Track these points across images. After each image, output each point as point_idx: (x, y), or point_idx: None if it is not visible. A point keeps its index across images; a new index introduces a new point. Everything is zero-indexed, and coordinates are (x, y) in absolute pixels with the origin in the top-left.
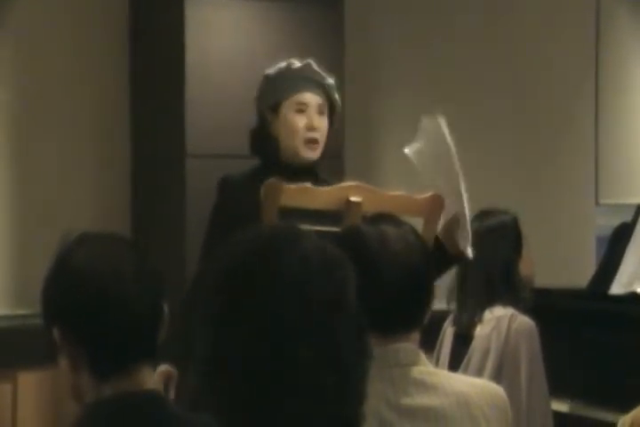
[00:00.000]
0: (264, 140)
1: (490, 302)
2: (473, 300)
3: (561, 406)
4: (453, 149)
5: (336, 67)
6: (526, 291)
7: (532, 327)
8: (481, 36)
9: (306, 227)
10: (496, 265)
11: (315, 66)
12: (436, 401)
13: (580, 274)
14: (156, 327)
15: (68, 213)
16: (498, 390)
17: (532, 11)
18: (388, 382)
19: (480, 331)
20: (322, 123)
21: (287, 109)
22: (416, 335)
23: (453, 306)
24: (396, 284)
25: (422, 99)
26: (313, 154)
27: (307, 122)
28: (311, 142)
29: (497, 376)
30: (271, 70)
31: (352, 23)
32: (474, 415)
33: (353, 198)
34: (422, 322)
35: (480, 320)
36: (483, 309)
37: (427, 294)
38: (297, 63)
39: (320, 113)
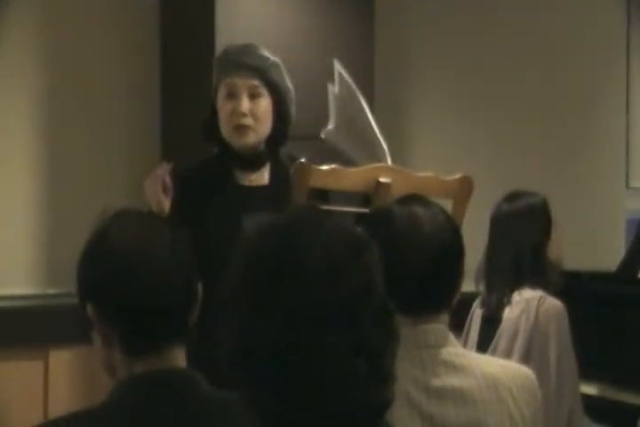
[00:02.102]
0: (214, 126)
1: (518, 284)
2: (501, 282)
3: (590, 389)
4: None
5: (366, 49)
6: (555, 273)
7: (561, 310)
8: (511, 18)
9: (334, 208)
10: (525, 247)
11: (253, 47)
12: (465, 383)
13: (609, 257)
14: (188, 307)
15: (100, 194)
16: (527, 372)
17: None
18: (417, 363)
19: (509, 313)
20: (256, 106)
21: (220, 94)
22: (445, 317)
23: (482, 288)
24: (426, 265)
25: (454, 82)
26: (244, 139)
27: (233, 107)
28: (240, 128)
29: (525, 359)
30: (221, 51)
31: (383, 6)
32: (502, 397)
33: (382, 179)
34: (452, 303)
35: (509, 302)
36: (511, 291)
37: (457, 275)
38: (235, 46)
39: (253, 96)
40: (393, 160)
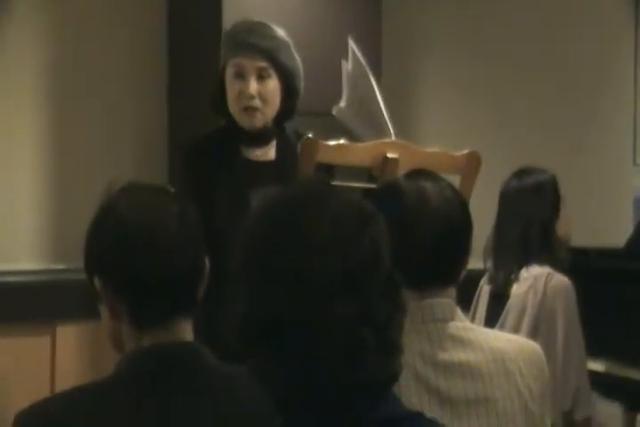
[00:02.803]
0: (222, 100)
1: (526, 260)
2: (509, 258)
3: (597, 366)
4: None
5: (373, 30)
6: (563, 250)
7: (569, 286)
8: (524, 8)
9: (342, 183)
10: (533, 224)
11: (262, 26)
12: (472, 357)
13: (616, 234)
14: (196, 280)
15: (107, 169)
16: (535, 347)
17: None
18: (424, 337)
19: (516, 289)
20: (264, 87)
21: (228, 73)
22: (452, 291)
23: (489, 264)
24: (433, 239)
25: (461, 58)
26: (251, 121)
27: (241, 88)
28: (248, 110)
29: (533, 335)
30: (230, 27)
31: None
32: (510, 371)
33: (390, 155)
34: (459, 278)
35: (516, 279)
36: (519, 267)
37: (464, 249)
38: (247, 22)
39: (261, 77)
40: (400, 135)
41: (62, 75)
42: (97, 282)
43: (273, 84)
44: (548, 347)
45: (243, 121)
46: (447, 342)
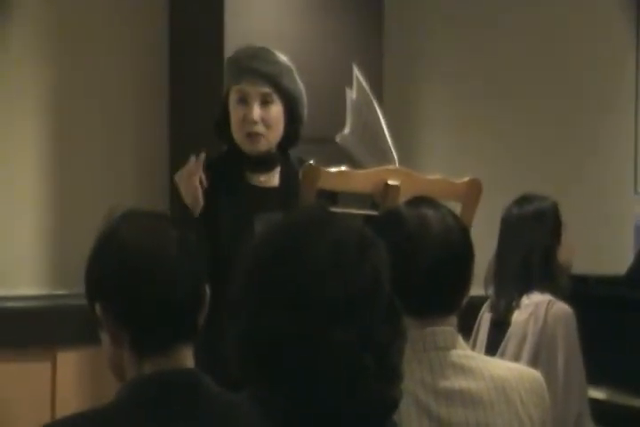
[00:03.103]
0: (226, 127)
1: (527, 287)
2: (510, 285)
3: (598, 394)
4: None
5: (375, 41)
6: (564, 278)
7: (570, 314)
8: (522, 18)
9: (343, 210)
10: (534, 251)
11: (266, 52)
12: (474, 385)
13: (618, 262)
14: (197, 307)
15: (108, 195)
16: (536, 375)
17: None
18: (426, 365)
19: (517, 317)
20: (268, 113)
21: (232, 99)
22: (454, 319)
23: (491, 291)
24: (435, 266)
25: (463, 85)
26: (255, 147)
27: (245, 114)
28: (252, 136)
29: (534, 362)
30: (232, 53)
31: (392, 6)
32: (511, 400)
33: (391, 182)
34: (460, 305)
35: (517, 306)
36: (520, 294)
37: (466, 277)
38: (250, 48)
39: (264, 102)
40: (401, 162)
41: (64, 100)
42: (98, 308)
43: (276, 110)
44: (549, 374)
45: (246, 147)
46: (449, 369)
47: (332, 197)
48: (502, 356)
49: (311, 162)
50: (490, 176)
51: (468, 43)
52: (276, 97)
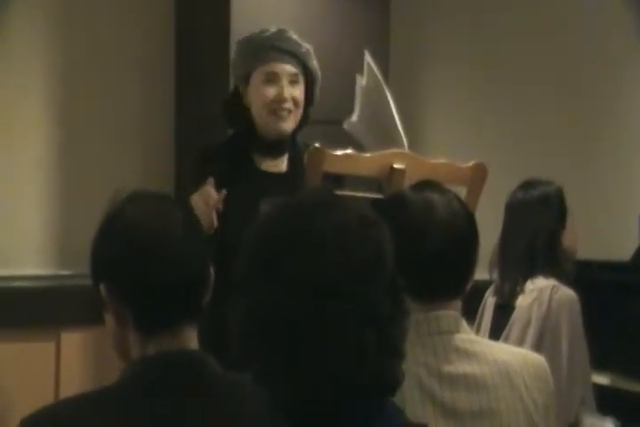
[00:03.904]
0: (237, 110)
1: (532, 272)
2: (515, 270)
3: (602, 379)
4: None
5: (382, 36)
6: (569, 263)
7: (574, 299)
8: (527, 8)
9: (349, 193)
10: (539, 235)
11: (288, 33)
12: (477, 369)
13: (623, 247)
14: (201, 288)
15: (113, 177)
16: (540, 359)
17: None
18: (430, 349)
19: (521, 301)
20: (295, 92)
21: (256, 80)
22: (458, 303)
23: (495, 276)
24: (440, 250)
25: (469, 72)
26: (285, 125)
27: (276, 93)
28: (282, 113)
29: (538, 347)
30: (245, 37)
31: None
32: (515, 384)
33: (396, 166)
34: (465, 289)
35: (522, 291)
36: (525, 279)
37: (470, 261)
38: (269, 30)
39: (292, 82)
40: (407, 147)
41: (69, 82)
42: (103, 288)
43: (302, 89)
44: (553, 359)
45: (272, 125)
46: (452, 354)
47: (339, 179)
48: (506, 340)
49: (317, 145)
50: (496, 160)
51: (476, 34)
52: (301, 77)
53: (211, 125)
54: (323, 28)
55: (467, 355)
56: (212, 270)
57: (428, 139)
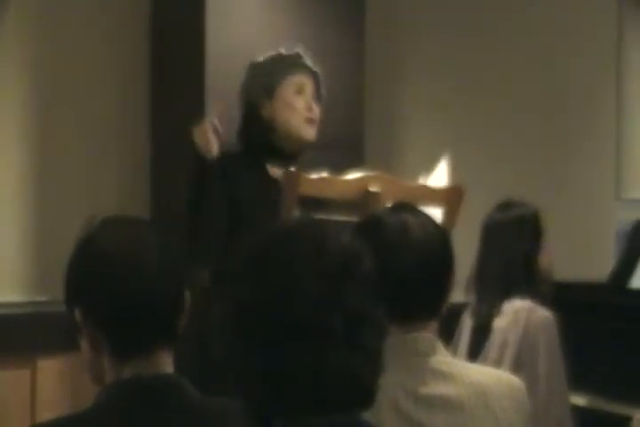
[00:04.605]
0: (257, 126)
1: (508, 294)
2: (491, 292)
3: (580, 400)
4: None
5: (357, 56)
6: (545, 284)
7: (551, 320)
8: (507, 29)
9: (324, 216)
10: (515, 257)
11: (304, 53)
12: (454, 391)
13: (600, 268)
14: (177, 312)
15: (88, 202)
16: (516, 381)
17: (556, 4)
18: (406, 371)
19: (498, 323)
20: (317, 107)
21: (285, 91)
22: (434, 325)
23: (471, 298)
24: (415, 272)
25: (444, 89)
26: (312, 133)
27: (306, 102)
28: (310, 122)
29: (515, 369)
30: (260, 58)
31: (374, 11)
32: (491, 406)
33: (372, 188)
34: (440, 311)
35: (498, 312)
36: (501, 301)
37: (446, 283)
38: (289, 52)
39: (315, 98)
40: (384, 168)
41: (43, 106)
42: (77, 313)
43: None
44: (531, 380)
45: (305, 132)
46: (429, 375)
47: (318, 201)
48: (484, 362)
49: (292, 168)
50: (473, 182)
51: (454, 48)
52: (317, 100)
53: (186, 143)
54: (298, 47)
55: (443, 376)
56: (187, 295)
57: (406, 160)
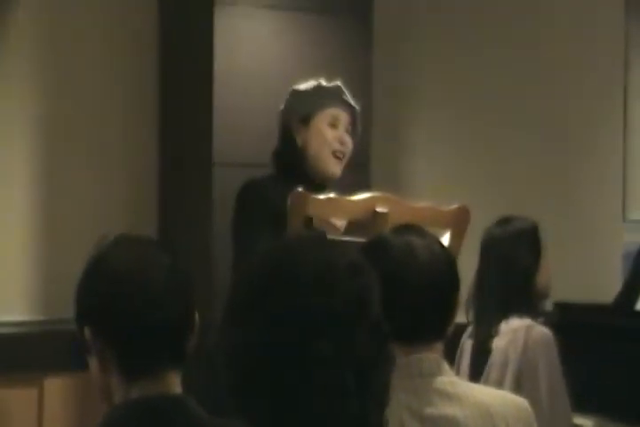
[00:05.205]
0: (291, 150)
1: (506, 313)
2: (489, 311)
3: (586, 422)
4: None
5: (364, 77)
6: (543, 301)
7: (550, 337)
8: (511, 46)
9: (332, 236)
10: (513, 270)
11: (344, 88)
12: (459, 412)
13: (606, 290)
14: (186, 333)
15: (96, 222)
16: (521, 401)
17: (562, 12)
18: (411, 392)
19: (497, 343)
20: (350, 141)
21: (320, 122)
22: (439, 346)
23: (471, 317)
24: (420, 294)
25: (452, 112)
26: (338, 169)
27: (338, 135)
28: (339, 157)
29: (516, 389)
30: (302, 86)
31: (381, 35)
32: (497, 426)
33: (379, 209)
34: (446, 332)
35: (496, 333)
36: (499, 320)
37: (451, 305)
38: (327, 83)
39: (348, 132)
40: (390, 189)
41: (53, 127)
42: (87, 332)
43: (352, 142)
44: (533, 399)
45: (331, 166)
46: (434, 396)
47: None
48: (485, 383)
49: (299, 189)
50: (479, 203)
51: (458, 70)
52: (350, 134)
53: (194, 169)
54: (305, 67)
55: (448, 397)
56: (196, 316)
57: (412, 181)
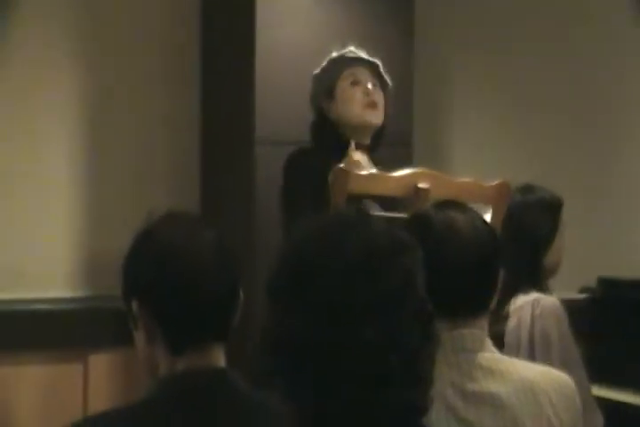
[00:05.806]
0: (327, 127)
1: (515, 290)
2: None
3: (624, 396)
4: None
5: (405, 55)
6: (549, 277)
7: (558, 306)
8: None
9: (374, 212)
10: (523, 243)
11: (356, 48)
12: (502, 387)
13: None
14: (231, 308)
15: (141, 198)
16: (565, 377)
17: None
18: (454, 368)
19: (508, 325)
20: (377, 92)
21: (342, 85)
22: (483, 321)
23: None
24: (463, 269)
25: (493, 91)
26: (376, 116)
27: (363, 90)
28: (371, 106)
29: (531, 357)
30: (318, 68)
31: (423, 11)
32: (540, 402)
33: (421, 185)
34: (489, 308)
35: (507, 315)
36: (509, 300)
37: (494, 279)
38: (338, 52)
39: (374, 86)
40: (431, 165)
41: (96, 103)
42: (134, 306)
43: (381, 95)
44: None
45: (366, 116)
46: (477, 372)
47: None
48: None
49: (341, 165)
50: (519, 179)
51: (498, 54)
52: (378, 86)
53: (236, 147)
54: (347, 44)
55: (491, 373)
56: (241, 291)
57: (454, 157)
